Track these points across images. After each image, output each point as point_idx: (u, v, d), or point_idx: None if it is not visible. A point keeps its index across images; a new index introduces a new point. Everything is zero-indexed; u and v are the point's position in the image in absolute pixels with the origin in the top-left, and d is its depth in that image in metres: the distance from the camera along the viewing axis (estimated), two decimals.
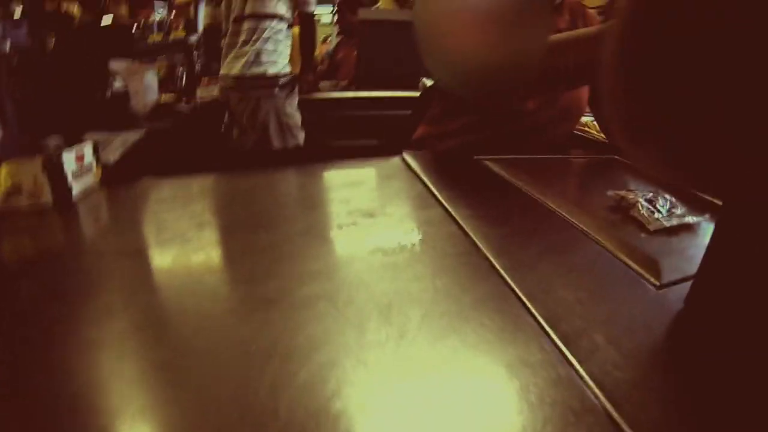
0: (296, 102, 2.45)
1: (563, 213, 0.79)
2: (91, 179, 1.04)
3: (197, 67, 4.28)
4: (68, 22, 2.83)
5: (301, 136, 2.45)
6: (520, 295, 0.53)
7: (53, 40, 2.46)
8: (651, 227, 0.74)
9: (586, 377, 0.40)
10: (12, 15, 2.08)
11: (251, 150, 2.43)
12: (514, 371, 0.41)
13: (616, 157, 1.22)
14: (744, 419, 0.38)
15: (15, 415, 0.39)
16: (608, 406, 0.37)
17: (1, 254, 0.80)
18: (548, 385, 0.39)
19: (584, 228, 0.73)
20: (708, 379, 0.42)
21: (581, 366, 0.42)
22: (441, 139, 1.49)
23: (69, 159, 0.97)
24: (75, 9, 2.97)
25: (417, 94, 1.95)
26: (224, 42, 2.54)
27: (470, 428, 0.36)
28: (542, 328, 0.47)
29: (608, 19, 1.43)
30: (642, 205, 0.78)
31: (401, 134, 1.71)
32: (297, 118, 2.44)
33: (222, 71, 2.43)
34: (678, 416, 0.38)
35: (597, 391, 0.39)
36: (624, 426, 0.35)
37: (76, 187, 0.98)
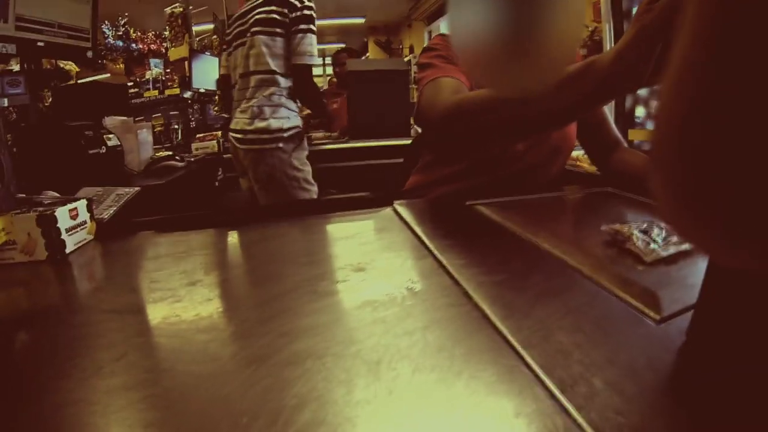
0: (305, 155, 2.46)
1: (558, 253, 0.78)
2: (84, 234, 1.06)
3: (192, 123, 4.35)
4: (65, 79, 2.88)
5: (314, 189, 2.46)
6: (514, 344, 0.52)
7: (50, 95, 2.50)
8: (647, 259, 0.73)
9: (585, 425, 0.39)
10: (10, 71, 2.12)
11: (255, 203, 2.44)
12: (508, 425, 0.39)
13: (609, 189, 1.22)
14: None
15: None
16: None
17: None
18: None
19: (580, 267, 0.72)
20: (714, 418, 0.41)
21: (579, 413, 0.40)
22: (434, 187, 1.49)
23: (63, 214, 1.00)
24: (71, 66, 3.03)
25: (407, 141, 1.96)
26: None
27: None
28: (537, 376, 0.46)
29: (591, 54, 1.44)
30: (637, 237, 0.77)
31: (393, 183, 1.72)
32: (307, 171, 2.45)
33: (231, 125, 2.46)
34: None
35: None
36: None
37: (70, 243, 1.00)
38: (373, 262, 0.80)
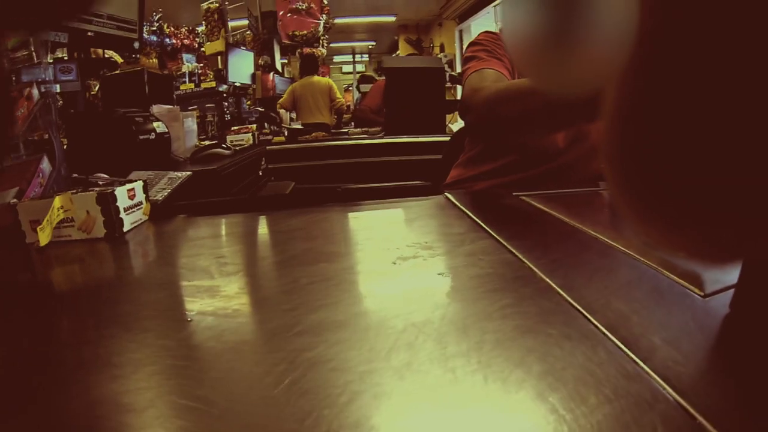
0: None
1: (604, 238, 0.84)
2: (140, 215, 1.12)
3: (227, 115, 4.43)
4: (113, 68, 2.96)
5: None
6: (579, 308, 0.58)
7: (96, 84, 2.58)
8: None
9: (651, 372, 0.45)
10: (62, 59, 2.18)
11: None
12: (587, 370, 0.45)
13: None
14: None
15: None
16: (676, 395, 0.42)
17: (51, 280, 0.85)
18: (619, 379, 0.44)
19: (627, 250, 0.78)
20: (761, 367, 0.46)
21: (645, 364, 0.46)
22: (475, 181, 1.54)
23: (122, 194, 1.05)
24: (117, 56, 3.11)
25: (443, 138, 2.01)
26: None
27: (559, 417, 0.40)
28: (604, 334, 0.52)
29: None
30: None
31: (429, 178, 1.77)
32: None
33: None
34: (740, 401, 0.42)
35: (663, 383, 0.43)
36: (694, 413, 0.40)
37: (127, 222, 1.06)
38: (437, 241, 0.87)
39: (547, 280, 0.67)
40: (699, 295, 0.62)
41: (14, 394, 0.49)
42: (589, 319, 0.55)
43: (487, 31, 1.55)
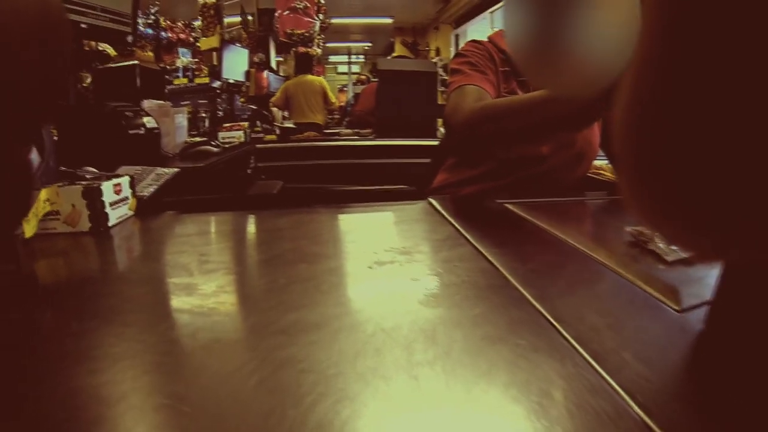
0: None
1: (584, 249, 0.84)
2: (126, 210, 1.11)
3: (219, 112, 4.42)
4: (105, 61, 2.94)
5: None
6: (551, 319, 0.58)
7: (88, 76, 2.57)
8: (669, 258, 0.79)
9: (617, 387, 0.45)
10: None
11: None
12: (552, 383, 0.46)
13: None
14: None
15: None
16: (640, 412, 0.42)
17: (35, 274, 0.84)
18: (584, 394, 0.44)
19: (605, 262, 0.79)
20: (733, 387, 0.47)
21: (612, 378, 0.47)
22: (460, 186, 1.55)
23: (108, 189, 1.04)
24: (111, 49, 3.09)
25: (432, 142, 2.02)
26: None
27: (518, 430, 0.41)
28: (573, 347, 0.52)
29: None
30: (659, 239, 0.83)
31: (418, 181, 1.77)
32: None
33: None
34: (707, 420, 0.42)
35: (628, 399, 0.44)
36: (657, 430, 0.40)
37: (112, 216, 1.05)
38: (416, 246, 0.87)
39: (521, 289, 0.67)
40: (675, 309, 0.63)
41: None
42: (559, 331, 0.56)
43: (473, 41, 1.56)
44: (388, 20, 11.18)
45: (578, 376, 0.47)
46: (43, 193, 0.97)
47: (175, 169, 1.44)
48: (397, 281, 0.72)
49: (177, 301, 0.68)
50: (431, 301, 0.65)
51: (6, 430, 0.43)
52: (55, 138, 1.77)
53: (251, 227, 1.13)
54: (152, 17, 6.44)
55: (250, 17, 6.73)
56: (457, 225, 0.98)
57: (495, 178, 1.50)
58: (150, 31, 6.36)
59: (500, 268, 0.75)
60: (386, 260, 0.80)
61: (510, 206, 1.14)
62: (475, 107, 1.26)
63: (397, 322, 0.58)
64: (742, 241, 0.29)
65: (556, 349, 0.52)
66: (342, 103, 7.64)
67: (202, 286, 0.71)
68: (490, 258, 0.79)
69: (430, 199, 1.21)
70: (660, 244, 0.82)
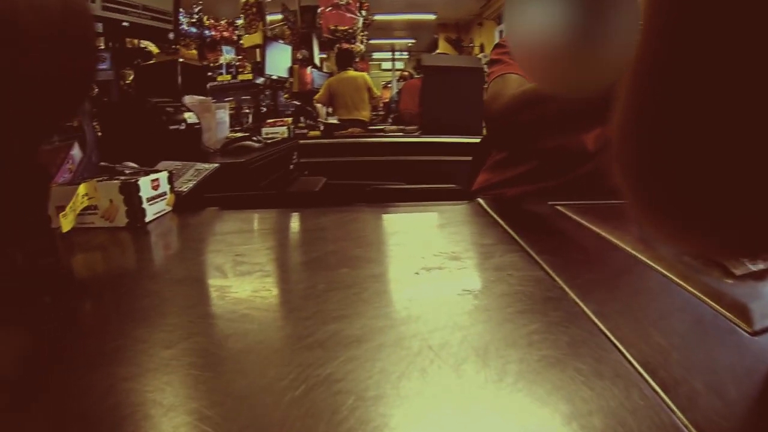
0: None
1: (643, 258, 0.78)
2: (163, 205, 1.11)
3: (263, 108, 4.45)
4: (147, 58, 2.97)
5: None
6: (614, 340, 0.53)
7: (131, 73, 2.59)
8: (737, 272, 0.73)
9: (691, 426, 0.40)
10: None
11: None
12: (618, 418, 0.41)
13: None
14: None
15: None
16: None
17: (72, 269, 0.84)
18: None
19: (667, 273, 0.73)
20: None
21: (684, 414, 0.41)
22: (503, 187, 1.50)
23: (145, 184, 1.04)
24: (153, 47, 3.12)
25: (478, 140, 1.96)
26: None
27: None
28: (640, 374, 0.47)
29: None
30: None
31: (462, 179, 1.72)
32: None
33: None
34: None
35: None
36: None
37: (150, 212, 1.05)
38: (466, 251, 0.82)
39: (581, 304, 0.62)
40: (747, 332, 0.57)
41: (29, 381, 0.48)
42: (624, 354, 0.50)
43: None
44: (431, 16, 11.13)
45: (646, 410, 0.42)
46: (82, 188, 0.97)
47: (215, 165, 1.43)
48: (445, 290, 0.68)
49: (209, 305, 0.66)
50: (483, 314, 0.60)
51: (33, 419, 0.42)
52: (99, 134, 1.78)
53: (291, 226, 1.11)
54: (196, 16, 6.51)
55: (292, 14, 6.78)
56: (508, 228, 0.93)
57: (539, 179, 1.44)
58: (194, 29, 6.44)
59: (556, 278, 0.69)
60: (434, 266, 0.75)
61: (562, 209, 1.08)
62: (516, 93, 1.21)
63: (446, 339, 0.53)
64: (745, 240, 0.29)
65: (621, 376, 0.47)
66: (386, 100, 7.63)
67: (236, 289, 0.69)
68: (545, 266, 0.74)
69: (479, 200, 1.16)
70: None
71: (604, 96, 0.34)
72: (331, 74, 6.53)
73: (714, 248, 0.33)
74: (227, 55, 6.24)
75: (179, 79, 2.43)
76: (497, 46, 1.50)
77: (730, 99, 0.24)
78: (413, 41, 13.97)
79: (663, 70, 0.27)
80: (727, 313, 0.61)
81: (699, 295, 0.66)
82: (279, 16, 6.83)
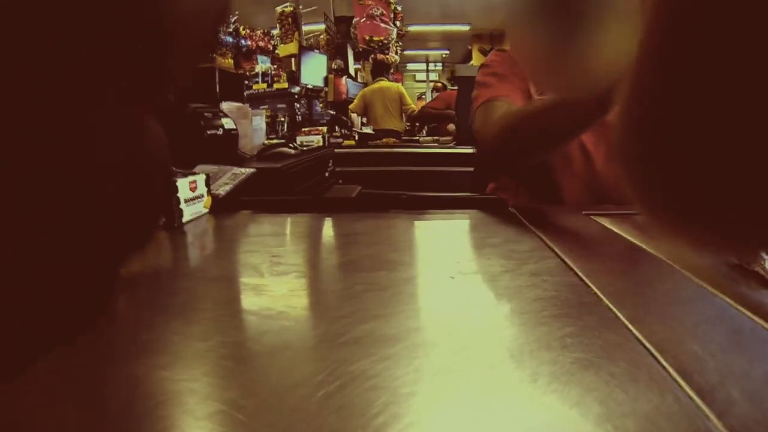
0: None
1: (678, 266, 0.78)
2: (200, 207, 1.12)
3: (298, 116, 4.48)
4: None
5: None
6: (648, 346, 0.53)
7: None
8: None
9: None
10: None
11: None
12: (652, 422, 0.41)
13: None
14: None
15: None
16: None
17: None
18: None
19: (704, 283, 0.72)
20: None
21: (719, 420, 0.41)
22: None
23: (183, 185, 1.06)
24: None
25: None
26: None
27: None
28: (675, 380, 0.47)
29: None
30: (765, 259, 0.76)
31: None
32: None
33: None
34: None
35: None
36: None
37: (187, 213, 1.06)
38: (501, 258, 0.82)
39: (615, 309, 0.61)
40: None
41: (59, 373, 0.48)
42: (658, 360, 0.50)
43: (497, 50, 1.52)
44: (465, 27, 11.10)
45: (681, 415, 0.42)
46: None
47: (252, 169, 1.44)
48: (481, 294, 0.69)
49: (245, 302, 0.67)
50: (517, 317, 0.60)
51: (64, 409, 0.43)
52: None
53: (327, 230, 1.12)
54: (232, 26, 6.59)
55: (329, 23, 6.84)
56: (542, 236, 0.93)
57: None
58: (230, 39, 6.51)
59: (591, 285, 0.69)
60: (469, 271, 0.76)
61: (597, 218, 1.07)
62: (507, 113, 1.23)
63: (481, 340, 0.54)
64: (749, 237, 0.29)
65: (655, 381, 0.47)
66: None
67: (272, 288, 0.70)
68: (579, 273, 0.74)
69: (512, 208, 1.16)
70: (766, 266, 0.75)
71: (604, 96, 0.34)
72: (365, 84, 6.56)
73: (717, 242, 0.32)
74: (263, 64, 6.30)
75: (217, 86, 2.46)
76: (481, 66, 1.49)
77: (731, 95, 0.24)
78: (447, 52, 13.96)
79: (665, 64, 0.27)
80: (765, 324, 0.60)
81: (735, 304, 0.65)
82: (315, 27, 6.88)
